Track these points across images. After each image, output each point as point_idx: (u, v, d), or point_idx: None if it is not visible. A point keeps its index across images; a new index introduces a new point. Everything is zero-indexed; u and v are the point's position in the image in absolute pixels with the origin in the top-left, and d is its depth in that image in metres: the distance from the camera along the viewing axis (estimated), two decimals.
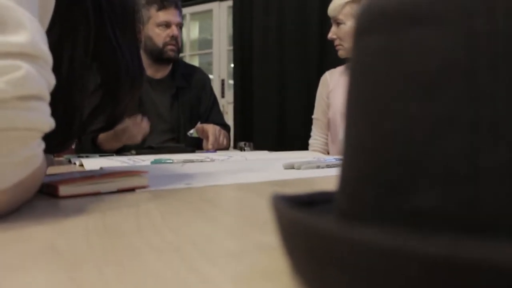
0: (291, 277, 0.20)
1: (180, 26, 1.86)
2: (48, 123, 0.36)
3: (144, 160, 1.01)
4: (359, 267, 0.13)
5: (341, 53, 1.74)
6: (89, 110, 0.58)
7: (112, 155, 1.35)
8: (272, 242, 0.27)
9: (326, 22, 1.93)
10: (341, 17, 1.68)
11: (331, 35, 1.74)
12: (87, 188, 0.50)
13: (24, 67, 0.33)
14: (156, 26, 1.79)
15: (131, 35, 0.60)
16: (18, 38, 0.33)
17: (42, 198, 0.48)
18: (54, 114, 0.37)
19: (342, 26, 1.69)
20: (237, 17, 3.01)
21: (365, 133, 0.16)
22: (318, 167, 0.77)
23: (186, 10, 3.61)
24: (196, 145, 1.73)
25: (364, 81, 0.17)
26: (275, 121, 2.76)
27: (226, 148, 1.79)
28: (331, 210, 0.23)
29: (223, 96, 3.51)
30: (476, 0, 0.13)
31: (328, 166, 0.78)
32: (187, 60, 3.76)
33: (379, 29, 0.16)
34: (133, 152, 1.52)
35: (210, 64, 3.74)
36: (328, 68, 1.94)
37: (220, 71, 3.62)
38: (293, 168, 0.78)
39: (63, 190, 0.49)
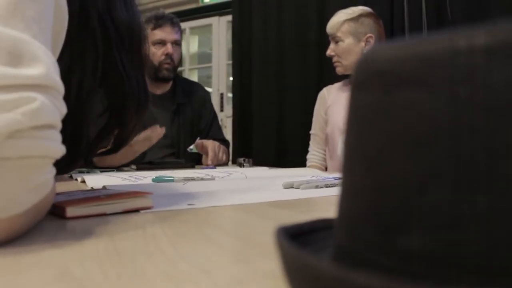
0: None
1: (176, 43, 1.88)
2: (60, 151, 0.38)
3: (145, 177, 1.02)
4: None
5: (339, 70, 1.77)
6: (96, 132, 0.60)
7: (113, 171, 1.37)
8: (276, 269, 0.29)
9: (324, 39, 1.96)
10: (339, 34, 1.72)
11: (329, 52, 1.77)
12: (93, 209, 0.52)
13: (38, 99, 0.35)
14: (152, 44, 1.81)
15: (137, 59, 0.62)
16: (33, 71, 0.35)
17: (49, 218, 0.50)
18: (62, 136, 0.39)
19: (340, 43, 1.72)
20: (237, 32, 3.05)
21: (360, 180, 0.18)
22: (317, 186, 0.79)
23: (186, 25, 3.65)
24: (195, 160, 1.75)
25: (359, 132, 0.19)
26: (274, 135, 2.78)
27: (226, 163, 1.81)
28: (330, 240, 0.25)
29: (222, 110, 3.54)
30: (459, 69, 0.15)
31: (327, 186, 0.80)
32: (187, 73, 3.80)
33: (373, 86, 0.18)
34: (133, 167, 1.53)
35: (209, 77, 3.78)
36: (326, 84, 1.97)
37: (219, 84, 3.66)
38: (292, 187, 0.80)
39: (70, 211, 0.51)
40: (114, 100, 0.59)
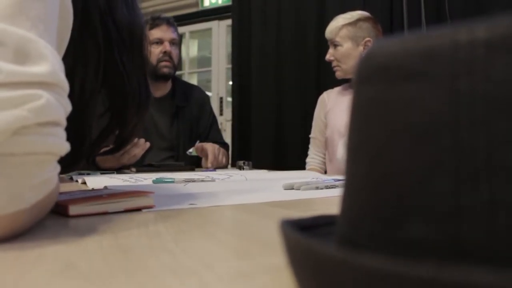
0: None
1: (173, 42, 1.89)
2: (64, 147, 0.39)
3: (145, 179, 1.03)
4: None
5: (339, 74, 1.78)
6: (97, 132, 0.60)
7: (113, 173, 1.37)
8: (279, 263, 0.29)
9: (323, 43, 1.97)
10: (338, 39, 1.73)
11: (328, 56, 1.78)
12: (95, 207, 0.53)
13: (44, 96, 0.35)
14: (150, 44, 1.82)
15: (138, 60, 0.63)
16: (39, 69, 0.36)
17: (52, 217, 0.50)
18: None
19: (339, 48, 1.73)
20: (236, 36, 3.06)
21: (364, 172, 0.19)
22: (317, 188, 0.80)
23: (186, 29, 3.67)
24: (195, 163, 1.75)
25: (362, 125, 0.19)
26: (273, 139, 2.79)
27: (225, 166, 1.81)
28: (333, 233, 0.25)
29: (221, 114, 3.54)
30: (459, 63, 0.16)
31: (327, 187, 0.81)
32: (186, 77, 3.81)
33: (375, 80, 0.19)
34: (133, 169, 1.54)
35: (208, 81, 3.79)
36: (326, 88, 1.98)
37: (219, 88, 3.67)
38: (292, 188, 0.81)
39: (73, 209, 0.51)
40: (115, 100, 0.60)
